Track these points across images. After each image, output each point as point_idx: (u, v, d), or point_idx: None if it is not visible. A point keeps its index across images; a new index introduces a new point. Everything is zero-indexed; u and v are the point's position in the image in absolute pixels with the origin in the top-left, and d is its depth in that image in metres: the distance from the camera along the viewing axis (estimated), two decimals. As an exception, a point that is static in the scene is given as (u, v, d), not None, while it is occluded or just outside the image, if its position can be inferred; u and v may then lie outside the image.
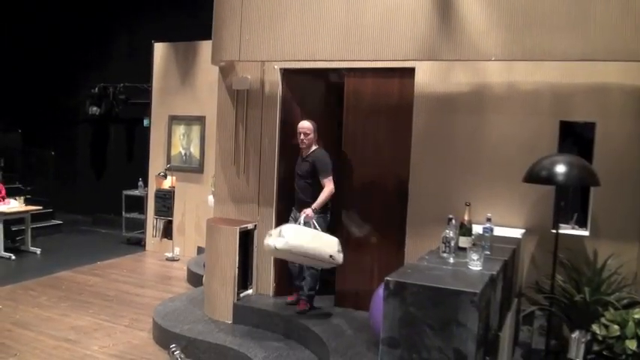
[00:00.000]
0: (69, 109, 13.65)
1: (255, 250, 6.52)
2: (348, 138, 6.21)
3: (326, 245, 5.57)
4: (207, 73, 9.30)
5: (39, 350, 5.77)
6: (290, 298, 6.34)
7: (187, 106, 10.06)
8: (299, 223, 5.75)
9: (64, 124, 13.92)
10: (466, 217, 4.12)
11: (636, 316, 4.40)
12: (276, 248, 5.41)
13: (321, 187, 5.95)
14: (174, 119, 10.25)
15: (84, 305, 7.21)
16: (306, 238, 5.49)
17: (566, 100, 5.28)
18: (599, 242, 5.24)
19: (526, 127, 5.40)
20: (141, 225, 11.15)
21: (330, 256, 5.55)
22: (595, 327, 4.51)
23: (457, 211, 4.52)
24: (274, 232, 5.58)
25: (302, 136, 6.01)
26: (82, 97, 12.80)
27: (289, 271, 6.34)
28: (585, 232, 5.35)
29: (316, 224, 5.80)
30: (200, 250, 9.38)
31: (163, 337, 5.94)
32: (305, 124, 6.03)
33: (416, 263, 3.85)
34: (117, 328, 6.48)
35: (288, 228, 5.53)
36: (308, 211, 5.84)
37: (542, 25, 4.71)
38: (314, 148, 6.07)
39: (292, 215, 6.20)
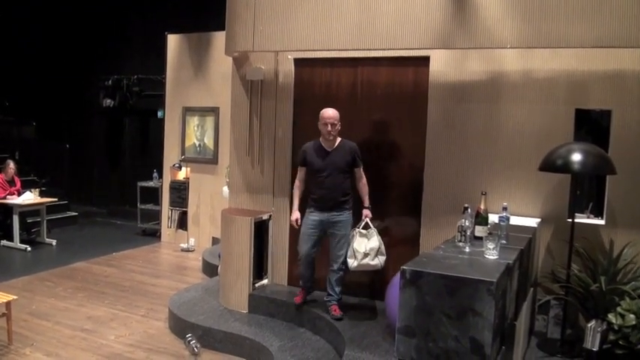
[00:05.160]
0: (83, 102, 13.72)
1: (270, 240, 6.53)
2: (363, 127, 6.20)
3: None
4: (220, 64, 9.32)
5: (55, 340, 5.82)
6: (298, 300, 5.96)
7: (201, 98, 10.08)
8: (358, 228, 5.62)
9: (79, 117, 13.99)
10: (482, 206, 4.11)
11: (653, 305, 4.38)
12: (381, 266, 5.62)
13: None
14: (188, 110, 10.27)
15: (100, 295, 7.27)
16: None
17: (582, 88, 5.24)
18: (615, 231, 5.20)
19: (542, 115, 5.37)
20: (156, 216, 11.22)
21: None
22: (611, 316, 4.49)
23: (473, 200, 4.53)
24: (368, 249, 5.54)
25: (330, 127, 5.50)
26: (96, 89, 12.84)
27: (302, 272, 5.93)
28: (601, 221, 5.32)
29: (370, 223, 5.66)
30: (215, 241, 9.41)
31: (179, 326, 5.97)
32: (333, 113, 5.55)
33: (432, 252, 3.85)
34: (133, 317, 6.52)
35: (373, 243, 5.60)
36: (369, 212, 5.66)
37: (558, 12, 4.68)
38: (338, 138, 5.65)
39: (315, 218, 5.68)
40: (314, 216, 5.67)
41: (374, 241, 5.58)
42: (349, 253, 5.58)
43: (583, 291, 4.93)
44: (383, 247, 5.62)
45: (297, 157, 6.00)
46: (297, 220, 5.76)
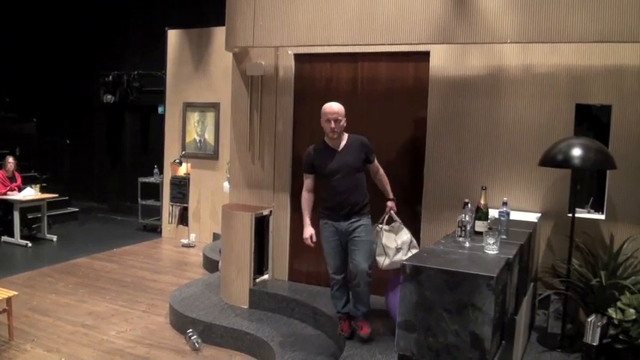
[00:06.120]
0: (84, 98, 13.72)
1: (270, 235, 6.54)
2: (363, 123, 6.19)
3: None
4: (221, 59, 9.32)
5: (56, 336, 5.83)
6: (345, 330, 5.15)
7: (202, 93, 10.07)
8: (382, 222, 5.17)
9: (79, 113, 14.00)
10: (482, 201, 4.10)
11: (653, 300, 4.39)
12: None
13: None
14: (188, 106, 10.26)
15: (101, 291, 7.28)
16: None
17: (582, 83, 5.23)
18: (616, 226, 5.20)
19: (542, 110, 5.36)
20: (157, 212, 11.23)
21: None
22: (611, 311, 4.49)
23: (473, 195, 4.53)
24: (399, 243, 5.08)
25: (333, 124, 4.87)
26: (97, 85, 12.84)
27: (335, 295, 5.22)
28: (601, 216, 5.32)
29: (395, 216, 5.24)
30: (216, 237, 9.42)
31: (180, 322, 5.98)
32: (337, 107, 4.92)
33: (432, 247, 3.85)
34: (134, 313, 6.53)
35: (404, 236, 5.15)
36: (393, 205, 5.22)
37: (558, 7, 4.66)
38: (345, 134, 5.05)
39: (332, 229, 5.03)
40: (330, 226, 5.04)
41: (404, 233, 5.16)
42: (378, 251, 5.02)
43: (583, 286, 4.93)
44: (414, 240, 5.20)
45: (301, 160, 5.33)
46: (311, 237, 5.09)
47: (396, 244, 5.07)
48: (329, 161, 4.97)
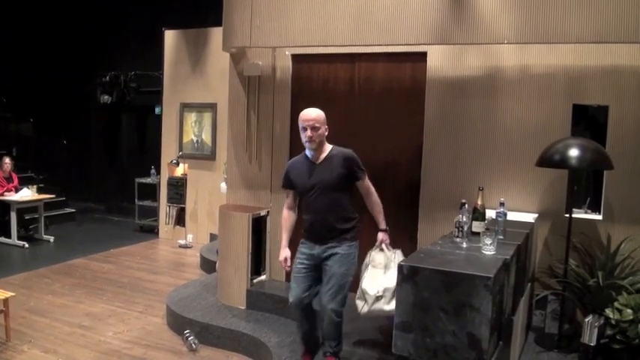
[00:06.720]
0: (81, 98, 13.68)
1: (267, 235, 6.53)
2: (360, 123, 6.19)
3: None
4: (218, 59, 9.32)
5: (53, 337, 5.82)
6: None
7: (199, 94, 10.07)
8: (369, 258, 4.53)
9: (76, 113, 13.96)
10: (479, 202, 4.11)
11: (650, 300, 4.39)
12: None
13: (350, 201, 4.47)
14: (185, 107, 10.25)
15: (98, 292, 7.26)
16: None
17: (579, 83, 5.24)
18: (613, 226, 5.21)
19: (539, 110, 5.36)
20: (154, 212, 11.22)
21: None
22: (608, 311, 4.50)
23: (470, 195, 4.54)
24: (381, 290, 4.34)
25: (310, 132, 4.28)
26: (94, 85, 12.84)
27: (297, 325, 4.70)
28: (598, 217, 5.33)
29: (388, 251, 4.52)
30: (213, 237, 9.41)
31: (177, 322, 5.98)
32: (314, 114, 4.34)
33: (429, 248, 3.85)
34: (131, 314, 6.52)
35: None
36: (385, 237, 4.52)
37: (555, 7, 4.67)
38: (329, 146, 4.46)
39: (306, 251, 4.46)
40: (304, 248, 4.47)
41: (390, 277, 4.28)
42: (358, 293, 4.45)
43: (580, 286, 4.94)
44: None
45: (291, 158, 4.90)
46: (285, 260, 4.52)
47: (376, 290, 4.34)
48: (305, 176, 4.43)
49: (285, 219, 4.65)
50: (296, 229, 4.71)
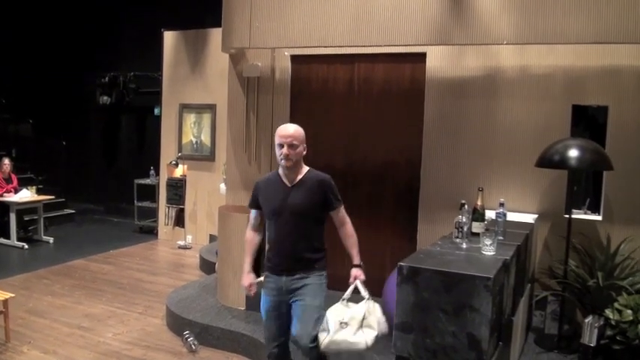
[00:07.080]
0: (80, 99, 13.68)
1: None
2: (360, 124, 6.19)
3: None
4: (217, 60, 9.30)
5: (53, 338, 5.81)
6: None
7: (198, 94, 10.06)
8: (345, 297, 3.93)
9: (75, 114, 13.95)
10: (479, 203, 4.10)
11: (650, 301, 4.39)
12: (370, 345, 3.82)
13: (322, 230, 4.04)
14: (184, 107, 10.25)
15: (97, 293, 7.26)
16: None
17: (578, 84, 5.25)
18: (612, 227, 5.21)
19: (539, 111, 5.37)
20: (153, 213, 11.21)
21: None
22: (608, 312, 4.50)
23: (470, 196, 4.53)
24: (346, 318, 3.78)
25: (286, 149, 3.80)
26: (93, 86, 12.84)
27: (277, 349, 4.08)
28: (598, 217, 5.33)
29: (362, 289, 3.95)
30: (212, 238, 9.41)
31: (177, 323, 5.97)
32: (292, 130, 3.88)
33: (429, 249, 3.85)
34: (130, 315, 6.51)
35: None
36: (359, 273, 3.99)
37: (555, 8, 4.67)
38: (305, 168, 3.98)
39: (272, 286, 3.98)
40: (270, 282, 4.00)
41: (358, 308, 3.84)
42: (323, 325, 3.83)
43: (580, 287, 4.94)
44: (376, 317, 3.83)
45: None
46: (250, 287, 4.11)
47: (341, 317, 3.79)
48: (275, 198, 3.94)
49: (248, 241, 4.19)
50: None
